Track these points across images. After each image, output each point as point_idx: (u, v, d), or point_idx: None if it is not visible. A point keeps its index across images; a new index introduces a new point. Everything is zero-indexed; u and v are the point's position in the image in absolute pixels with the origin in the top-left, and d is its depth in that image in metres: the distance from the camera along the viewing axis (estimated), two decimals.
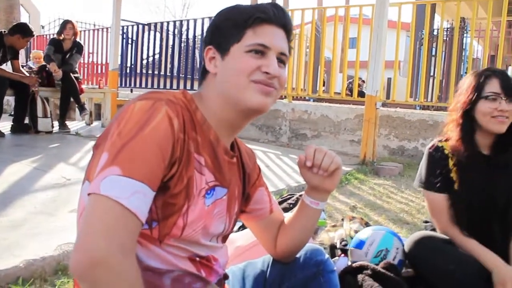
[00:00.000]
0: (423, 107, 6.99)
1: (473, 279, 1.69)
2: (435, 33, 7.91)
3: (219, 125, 1.07)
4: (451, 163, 1.86)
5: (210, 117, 1.06)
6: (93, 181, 0.86)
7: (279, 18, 1.06)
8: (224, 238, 1.19)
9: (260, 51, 1.03)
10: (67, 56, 6.12)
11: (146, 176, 0.87)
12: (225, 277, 1.19)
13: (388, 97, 8.55)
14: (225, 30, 1.06)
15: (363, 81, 9.54)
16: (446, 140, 1.90)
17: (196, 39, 8.50)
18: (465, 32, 7.74)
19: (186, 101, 1.04)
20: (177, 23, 9.11)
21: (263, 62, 1.03)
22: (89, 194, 0.86)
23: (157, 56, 9.40)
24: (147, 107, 0.92)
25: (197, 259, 1.06)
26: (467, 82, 1.87)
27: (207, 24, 7.99)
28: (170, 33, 9.02)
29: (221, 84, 1.05)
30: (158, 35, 9.12)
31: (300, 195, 2.84)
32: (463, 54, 7.95)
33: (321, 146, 1.19)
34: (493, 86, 1.78)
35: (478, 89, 1.80)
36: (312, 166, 1.17)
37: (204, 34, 1.13)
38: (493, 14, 5.69)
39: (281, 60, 1.07)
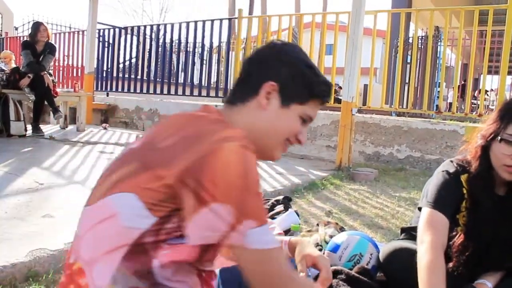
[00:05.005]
0: (398, 114, 7.10)
1: None
2: (410, 41, 8.03)
3: None
4: (464, 203, 1.67)
5: None
6: (234, 234, 0.92)
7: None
8: None
9: (307, 121, 1.16)
10: (41, 58, 6.03)
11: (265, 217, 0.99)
12: None
13: (364, 103, 8.65)
14: (296, 81, 1.12)
15: (340, 88, 9.63)
16: (465, 171, 1.67)
17: (174, 44, 8.46)
18: (439, 40, 7.89)
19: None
20: (155, 27, 9.07)
21: (301, 130, 1.16)
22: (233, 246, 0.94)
23: (134, 60, 9.32)
24: (240, 153, 0.94)
25: (203, 274, 1.06)
26: (497, 111, 1.60)
27: (184, 28, 7.96)
28: (147, 37, 8.97)
29: (264, 123, 1.11)
30: (135, 39, 9.05)
31: (276, 200, 2.84)
32: (437, 62, 8.10)
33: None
34: None
35: (500, 126, 1.55)
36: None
37: (270, 67, 1.13)
38: (466, 24, 5.84)
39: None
